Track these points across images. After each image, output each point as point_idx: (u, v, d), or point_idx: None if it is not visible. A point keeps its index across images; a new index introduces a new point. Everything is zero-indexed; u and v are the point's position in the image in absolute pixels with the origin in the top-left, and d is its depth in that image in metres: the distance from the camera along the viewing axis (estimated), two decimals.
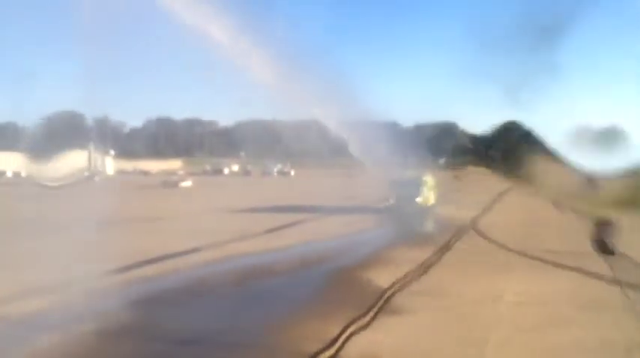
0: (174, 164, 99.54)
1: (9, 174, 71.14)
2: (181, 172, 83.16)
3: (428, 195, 35.05)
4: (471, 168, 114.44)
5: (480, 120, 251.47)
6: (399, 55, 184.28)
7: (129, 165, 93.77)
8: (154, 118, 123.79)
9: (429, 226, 30.56)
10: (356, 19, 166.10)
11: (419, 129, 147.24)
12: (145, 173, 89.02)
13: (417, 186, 34.23)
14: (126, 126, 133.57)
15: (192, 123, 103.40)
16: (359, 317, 12.04)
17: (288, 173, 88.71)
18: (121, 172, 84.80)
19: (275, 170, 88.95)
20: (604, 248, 19.40)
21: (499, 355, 10.07)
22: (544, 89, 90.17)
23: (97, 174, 64.72)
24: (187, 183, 64.61)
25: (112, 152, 76.51)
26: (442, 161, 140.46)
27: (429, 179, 36.15)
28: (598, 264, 18.43)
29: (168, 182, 64.07)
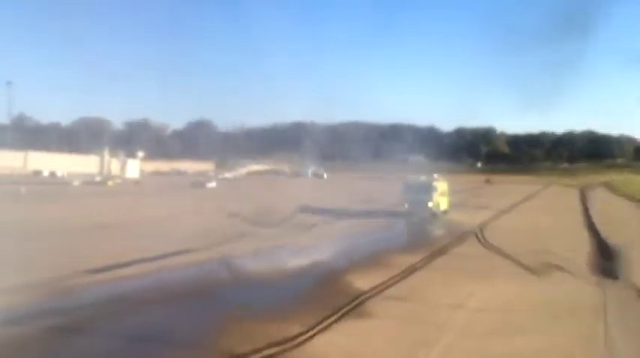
0: (207, 165, 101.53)
1: (45, 174, 73.17)
2: (211, 173, 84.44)
3: (438, 201, 34.83)
4: (505, 172, 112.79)
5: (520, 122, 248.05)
6: (438, 62, 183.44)
7: (165, 166, 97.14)
8: (194, 121, 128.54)
9: (436, 230, 30.37)
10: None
11: (459, 133, 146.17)
12: (181, 173, 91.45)
13: (428, 191, 34.06)
14: (168, 128, 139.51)
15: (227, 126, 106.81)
16: (325, 319, 12.34)
17: (322, 175, 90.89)
18: (156, 173, 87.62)
19: (309, 172, 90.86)
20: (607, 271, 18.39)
21: None
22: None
23: (110, 178, 67.04)
24: (212, 184, 66.16)
25: (141, 154, 77.76)
26: (479, 165, 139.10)
27: (440, 185, 35.86)
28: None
29: (196, 183, 65.61)
